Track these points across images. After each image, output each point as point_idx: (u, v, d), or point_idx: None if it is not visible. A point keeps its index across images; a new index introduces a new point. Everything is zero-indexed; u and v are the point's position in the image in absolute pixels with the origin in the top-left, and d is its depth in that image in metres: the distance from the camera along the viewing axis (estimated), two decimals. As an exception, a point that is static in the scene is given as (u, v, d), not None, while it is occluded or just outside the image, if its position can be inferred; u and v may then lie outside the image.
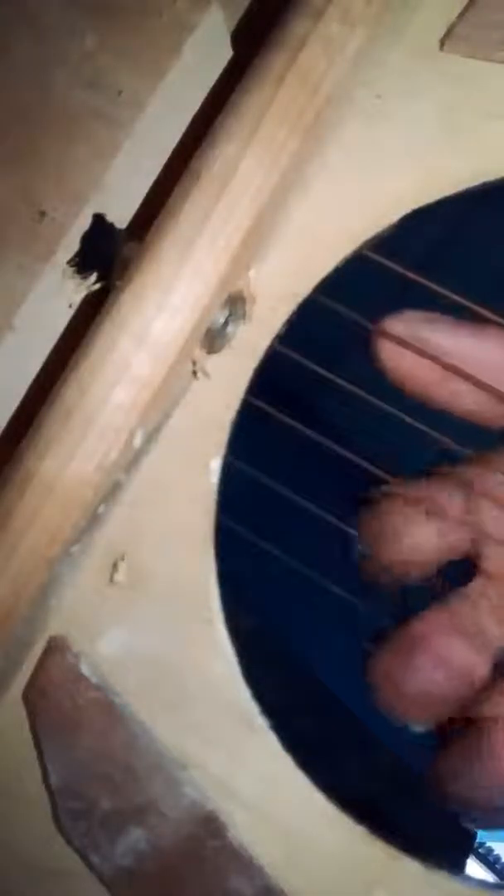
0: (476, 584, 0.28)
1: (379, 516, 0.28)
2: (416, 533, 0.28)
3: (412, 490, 0.28)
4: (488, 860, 0.77)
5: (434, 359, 0.26)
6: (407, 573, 0.28)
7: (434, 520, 0.28)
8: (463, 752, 0.27)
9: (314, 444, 0.28)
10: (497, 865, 0.77)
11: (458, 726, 0.27)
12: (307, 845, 0.26)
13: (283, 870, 0.26)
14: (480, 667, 0.27)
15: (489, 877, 0.76)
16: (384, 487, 0.28)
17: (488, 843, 0.77)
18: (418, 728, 0.28)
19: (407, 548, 0.28)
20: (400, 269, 0.26)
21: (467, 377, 0.26)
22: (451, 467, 0.28)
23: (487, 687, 0.27)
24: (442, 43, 0.26)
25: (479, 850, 0.77)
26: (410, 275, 0.26)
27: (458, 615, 0.27)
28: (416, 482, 0.28)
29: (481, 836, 0.74)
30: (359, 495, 0.28)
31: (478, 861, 0.76)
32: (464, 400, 0.27)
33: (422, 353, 0.26)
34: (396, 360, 0.27)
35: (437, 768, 0.27)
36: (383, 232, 0.26)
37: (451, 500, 0.28)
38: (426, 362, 0.26)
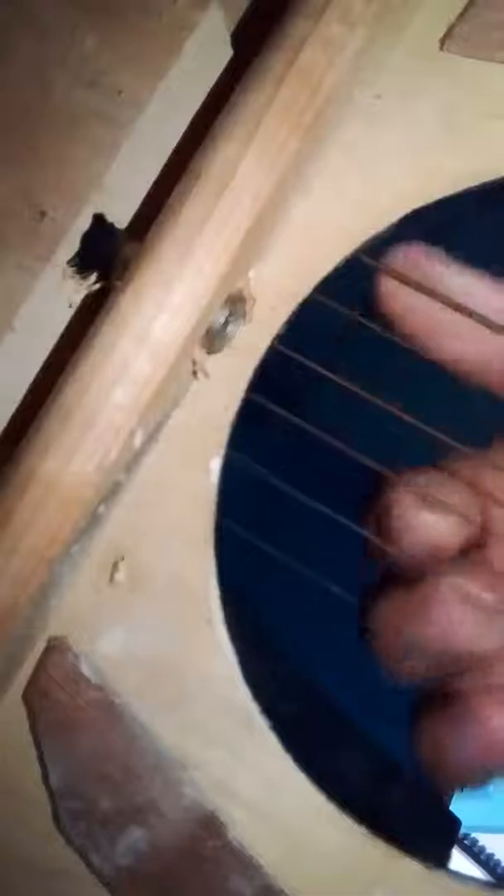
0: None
1: (387, 511, 0.28)
2: (429, 526, 0.27)
3: (421, 483, 0.28)
4: (473, 851, 0.77)
5: (436, 294, 0.26)
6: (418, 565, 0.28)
7: (445, 515, 0.27)
8: (448, 721, 0.27)
9: (314, 444, 0.28)
10: (482, 856, 0.77)
11: (440, 695, 0.27)
12: (307, 845, 0.26)
13: (283, 870, 0.26)
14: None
15: (475, 869, 0.76)
16: (391, 479, 0.27)
17: (473, 835, 0.77)
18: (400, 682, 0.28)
19: (419, 544, 0.27)
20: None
21: (470, 314, 0.26)
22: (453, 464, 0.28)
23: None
24: (442, 43, 0.26)
25: (465, 842, 0.77)
26: (410, 277, 0.26)
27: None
28: (422, 474, 0.28)
29: (466, 827, 0.74)
30: (364, 493, 0.28)
31: (463, 853, 0.76)
32: (465, 349, 0.26)
33: (422, 288, 0.26)
34: (397, 298, 0.26)
35: (421, 740, 0.27)
36: (383, 232, 0.26)
37: (457, 495, 0.27)
38: (428, 305, 0.26)
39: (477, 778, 0.27)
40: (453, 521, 0.27)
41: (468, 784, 0.27)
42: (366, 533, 0.28)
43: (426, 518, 0.27)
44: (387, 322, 0.27)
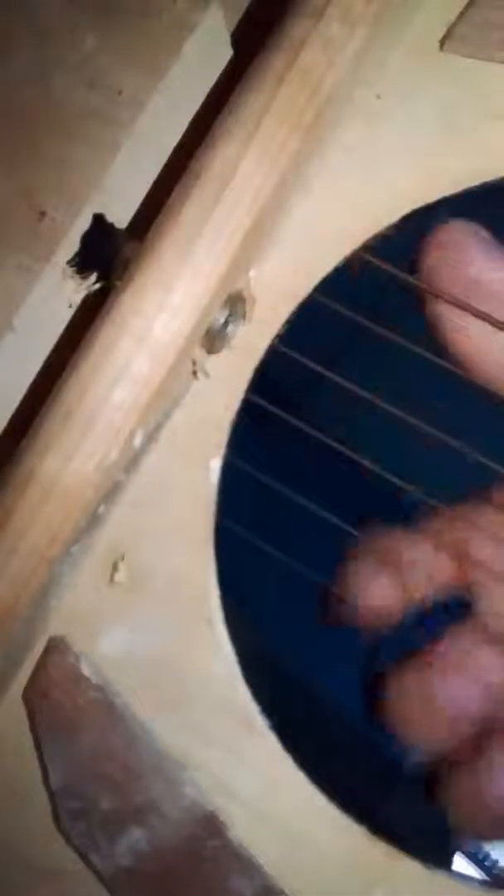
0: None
1: (350, 564, 0.28)
2: (377, 585, 0.28)
3: (384, 541, 0.28)
4: (476, 857, 0.77)
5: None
6: (373, 621, 0.28)
7: (396, 573, 0.28)
8: (475, 773, 0.27)
9: (314, 444, 0.28)
10: (486, 862, 0.77)
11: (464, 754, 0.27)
12: (307, 845, 0.26)
13: (283, 870, 0.26)
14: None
15: (477, 874, 0.76)
16: (360, 535, 0.28)
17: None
18: (420, 752, 0.28)
19: (371, 597, 0.28)
20: (398, 272, 0.26)
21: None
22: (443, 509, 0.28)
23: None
24: (442, 43, 0.26)
25: (471, 851, 0.77)
26: (409, 277, 0.26)
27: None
28: (390, 532, 0.28)
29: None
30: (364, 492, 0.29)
31: (465, 858, 0.76)
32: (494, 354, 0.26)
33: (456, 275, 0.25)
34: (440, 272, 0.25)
35: (450, 794, 0.27)
36: (383, 232, 0.26)
37: (418, 552, 0.28)
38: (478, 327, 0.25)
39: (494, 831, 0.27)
40: (409, 579, 0.28)
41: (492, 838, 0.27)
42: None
43: (382, 576, 0.27)
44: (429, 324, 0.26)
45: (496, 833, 0.28)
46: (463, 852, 0.75)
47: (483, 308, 0.25)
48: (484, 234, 0.26)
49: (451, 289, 0.25)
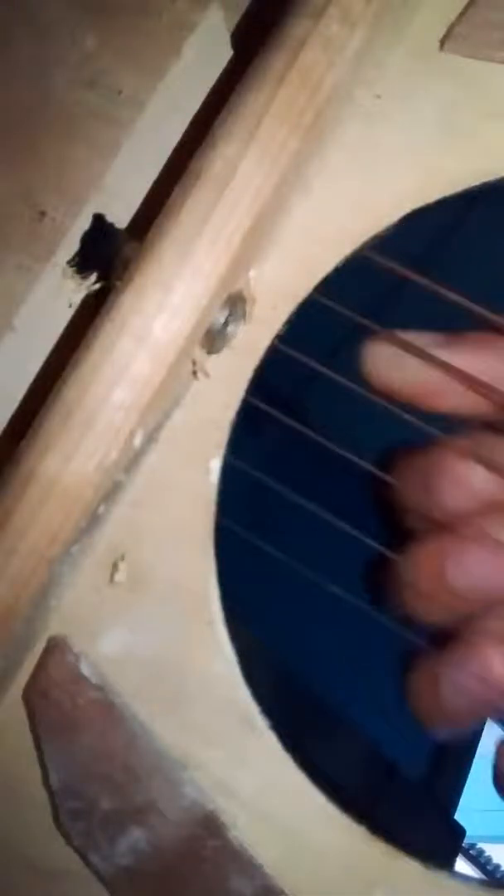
0: None
1: (424, 467, 0.28)
2: (466, 478, 0.28)
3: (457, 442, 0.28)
4: (480, 862, 0.77)
5: (432, 363, 0.26)
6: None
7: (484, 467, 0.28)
8: (448, 662, 0.28)
9: (314, 444, 0.28)
10: (489, 867, 0.77)
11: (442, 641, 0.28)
12: (307, 845, 0.26)
13: (283, 870, 0.26)
14: None
15: (475, 874, 0.76)
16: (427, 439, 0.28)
17: (479, 845, 0.77)
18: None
19: (469, 498, 0.28)
20: (400, 269, 0.26)
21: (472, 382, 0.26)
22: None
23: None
24: (442, 43, 0.26)
25: (471, 852, 0.77)
26: (410, 274, 0.26)
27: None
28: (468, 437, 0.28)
29: (472, 837, 0.74)
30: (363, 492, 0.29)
31: (469, 862, 0.76)
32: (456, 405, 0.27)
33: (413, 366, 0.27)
34: (385, 372, 0.27)
35: (418, 682, 0.28)
36: (383, 232, 0.26)
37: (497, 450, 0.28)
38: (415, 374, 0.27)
39: (468, 719, 0.28)
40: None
41: (459, 726, 0.28)
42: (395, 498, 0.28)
43: (478, 473, 0.27)
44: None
45: (444, 728, 0.28)
46: (466, 857, 0.75)
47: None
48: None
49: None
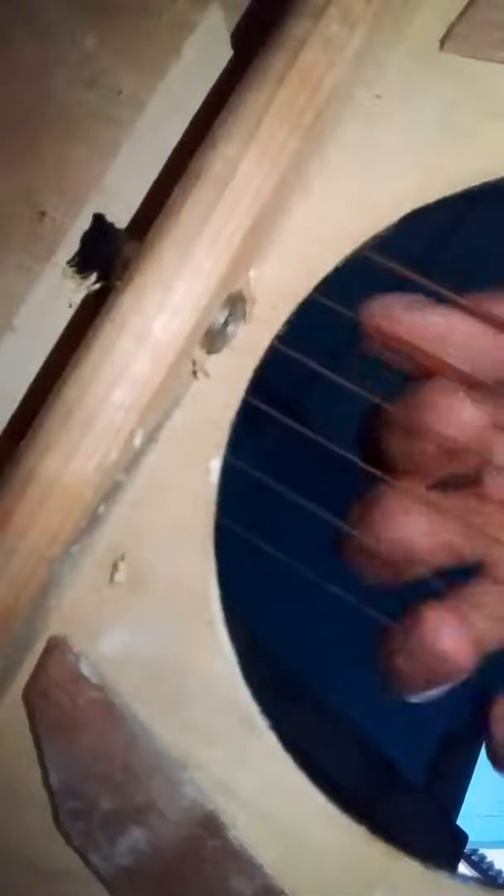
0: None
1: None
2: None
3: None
4: (481, 867, 0.77)
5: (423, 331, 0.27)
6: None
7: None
8: (402, 630, 0.28)
9: (314, 444, 0.28)
10: (490, 872, 0.77)
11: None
12: (307, 845, 0.26)
13: (283, 870, 0.26)
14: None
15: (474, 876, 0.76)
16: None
17: (481, 851, 0.77)
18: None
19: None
20: (400, 269, 0.26)
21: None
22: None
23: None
24: (442, 43, 0.26)
25: (472, 858, 0.77)
26: (410, 274, 0.26)
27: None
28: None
29: (474, 843, 0.74)
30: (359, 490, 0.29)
31: (469, 867, 0.77)
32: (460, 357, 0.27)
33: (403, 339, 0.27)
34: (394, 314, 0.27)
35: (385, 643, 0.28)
36: (383, 232, 0.26)
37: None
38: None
39: (423, 687, 0.28)
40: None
41: (417, 693, 0.28)
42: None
43: (466, 405, 0.27)
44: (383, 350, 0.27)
45: (409, 690, 0.29)
46: (468, 862, 0.75)
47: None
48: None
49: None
